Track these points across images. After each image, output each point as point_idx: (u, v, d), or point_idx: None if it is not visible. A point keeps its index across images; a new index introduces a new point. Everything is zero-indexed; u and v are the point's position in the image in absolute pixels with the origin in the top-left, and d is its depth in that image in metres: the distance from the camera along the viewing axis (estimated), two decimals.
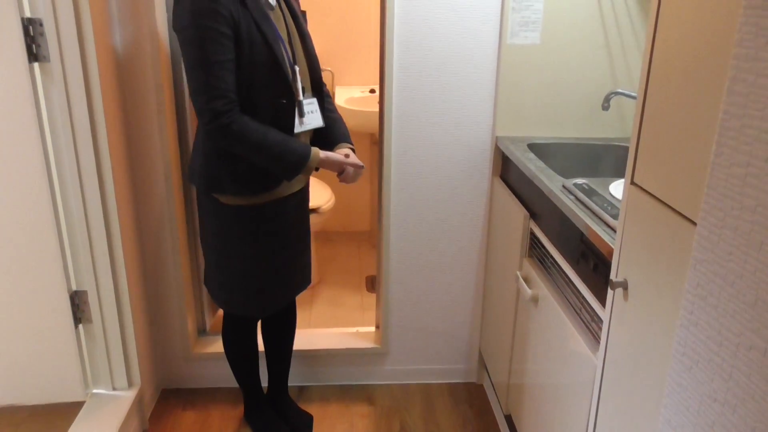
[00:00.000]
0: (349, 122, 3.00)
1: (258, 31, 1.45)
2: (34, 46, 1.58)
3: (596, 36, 1.90)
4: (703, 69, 0.83)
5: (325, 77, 3.23)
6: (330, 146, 1.70)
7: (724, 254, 0.55)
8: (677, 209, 0.89)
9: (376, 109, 2.19)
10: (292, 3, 1.64)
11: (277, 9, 1.56)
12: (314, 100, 1.63)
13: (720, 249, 0.56)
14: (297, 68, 1.56)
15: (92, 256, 1.76)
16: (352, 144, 1.75)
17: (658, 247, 0.94)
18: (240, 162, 1.53)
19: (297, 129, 1.57)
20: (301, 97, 1.56)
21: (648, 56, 1.01)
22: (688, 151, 0.85)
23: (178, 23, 1.43)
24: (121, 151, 1.82)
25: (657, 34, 0.98)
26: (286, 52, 1.53)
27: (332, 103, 1.78)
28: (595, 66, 1.93)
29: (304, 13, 1.74)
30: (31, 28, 1.56)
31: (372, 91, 3.19)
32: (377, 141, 2.08)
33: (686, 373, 0.60)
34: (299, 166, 1.54)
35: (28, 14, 1.56)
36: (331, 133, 1.72)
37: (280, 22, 1.55)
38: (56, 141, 1.66)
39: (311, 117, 1.61)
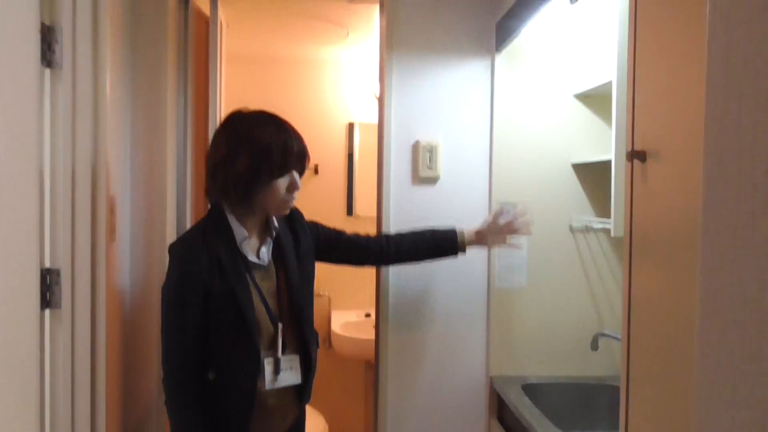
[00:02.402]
0: (345, 349, 3.04)
1: (231, 295, 1.46)
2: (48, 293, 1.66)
3: (578, 279, 2.02)
4: (680, 317, 0.89)
5: (322, 302, 3.35)
6: (452, 241, 1.76)
7: None
8: None
9: (372, 336, 2.23)
10: (285, 250, 1.59)
11: (271, 265, 1.56)
12: (296, 357, 1.59)
13: None
14: (280, 325, 1.54)
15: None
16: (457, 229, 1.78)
17: None
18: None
19: (269, 386, 1.52)
20: (280, 353, 1.54)
21: (626, 309, 1.08)
22: (677, 403, 0.88)
23: None
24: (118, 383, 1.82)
25: (632, 290, 1.07)
26: (269, 310, 1.53)
27: (386, 237, 1.80)
28: (581, 307, 2.03)
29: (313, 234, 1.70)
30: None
31: (367, 315, 3.27)
32: (373, 366, 2.10)
33: None
34: None
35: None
36: (439, 237, 1.76)
37: (269, 280, 1.55)
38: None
39: (288, 374, 1.57)
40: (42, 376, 1.67)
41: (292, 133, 1.49)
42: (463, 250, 1.77)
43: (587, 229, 2.04)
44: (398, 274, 2.00)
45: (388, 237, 1.80)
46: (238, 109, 1.52)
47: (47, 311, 1.67)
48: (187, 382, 1.48)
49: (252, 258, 1.52)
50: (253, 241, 1.55)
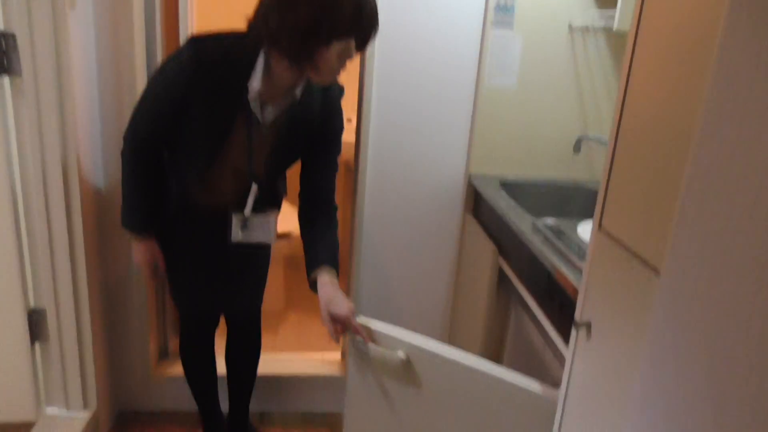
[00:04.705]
0: None
1: (208, 117, 1.40)
2: (5, 59, 1.55)
3: (570, 82, 1.95)
4: (672, 122, 0.86)
5: None
6: (308, 269, 1.53)
7: (681, 336, 0.56)
8: (643, 257, 0.91)
9: (352, 139, 2.20)
10: (299, 128, 1.50)
11: (271, 125, 1.48)
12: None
13: (675, 330, 0.58)
14: (254, 186, 1.53)
15: (53, 274, 1.72)
16: (332, 265, 1.51)
17: (622, 291, 0.96)
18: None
19: (236, 238, 1.58)
20: (248, 212, 1.55)
21: (619, 107, 1.04)
22: (655, 203, 0.88)
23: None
24: (89, 163, 1.80)
25: (629, 87, 1.02)
26: (250, 161, 1.49)
27: (327, 214, 1.64)
28: (568, 110, 1.98)
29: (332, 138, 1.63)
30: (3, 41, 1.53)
31: (348, 120, 3.21)
32: (353, 169, 2.10)
33: None
34: (125, 223, 1.58)
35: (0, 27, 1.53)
36: (308, 251, 1.57)
37: (261, 135, 1.48)
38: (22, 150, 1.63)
39: (258, 232, 1.60)
40: (8, 147, 1.62)
41: None
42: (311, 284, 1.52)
43: (587, 30, 1.93)
44: (384, 75, 1.90)
45: (314, 211, 1.64)
46: None
47: (5, 78, 1.58)
48: (145, 156, 1.50)
49: (255, 111, 1.42)
50: (264, 96, 1.41)
